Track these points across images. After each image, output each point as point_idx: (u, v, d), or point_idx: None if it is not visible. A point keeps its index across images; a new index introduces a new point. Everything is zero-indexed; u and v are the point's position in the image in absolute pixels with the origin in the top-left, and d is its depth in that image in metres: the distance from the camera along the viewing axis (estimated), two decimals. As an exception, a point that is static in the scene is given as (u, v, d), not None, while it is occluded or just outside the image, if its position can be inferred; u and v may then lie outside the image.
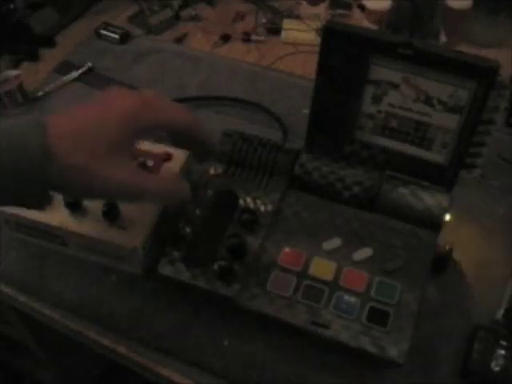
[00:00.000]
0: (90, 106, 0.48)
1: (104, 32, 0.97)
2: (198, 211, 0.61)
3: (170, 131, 0.53)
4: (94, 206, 0.60)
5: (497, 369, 0.54)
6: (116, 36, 0.96)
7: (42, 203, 0.46)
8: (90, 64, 0.91)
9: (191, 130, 0.52)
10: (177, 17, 1.02)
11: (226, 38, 0.97)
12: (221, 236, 0.59)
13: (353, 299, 0.55)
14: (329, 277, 0.57)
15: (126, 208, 0.60)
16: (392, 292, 0.55)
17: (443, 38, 0.92)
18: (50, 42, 0.97)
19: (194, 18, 1.03)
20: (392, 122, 0.60)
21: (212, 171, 0.64)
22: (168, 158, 0.65)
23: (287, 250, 0.59)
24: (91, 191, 0.48)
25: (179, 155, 0.66)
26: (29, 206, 0.47)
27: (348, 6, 1.01)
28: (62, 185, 0.46)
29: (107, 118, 0.47)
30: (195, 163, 0.67)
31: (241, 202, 0.62)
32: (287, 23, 0.99)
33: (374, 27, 0.93)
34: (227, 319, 0.59)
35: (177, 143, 0.56)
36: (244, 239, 0.58)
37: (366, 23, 0.94)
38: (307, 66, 0.89)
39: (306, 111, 0.63)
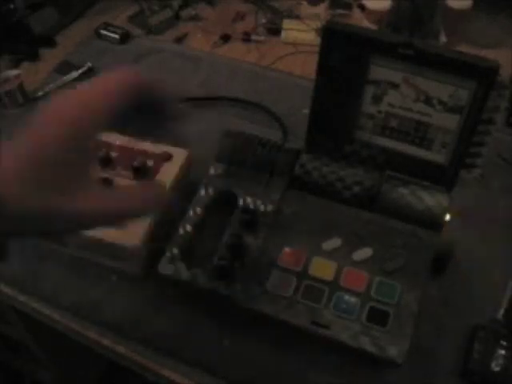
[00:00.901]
0: (26, 131, 0.38)
1: (104, 32, 0.97)
2: (198, 211, 0.61)
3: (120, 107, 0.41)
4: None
5: (497, 369, 0.54)
6: (116, 36, 0.96)
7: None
8: (89, 64, 0.91)
9: (142, 88, 0.41)
10: (177, 17, 1.02)
11: (225, 38, 0.97)
12: (221, 236, 0.59)
13: (353, 299, 0.55)
14: (329, 277, 0.57)
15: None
16: (392, 292, 0.55)
17: (443, 38, 0.92)
18: (50, 42, 0.97)
19: (194, 18, 1.03)
20: (392, 122, 0.60)
21: (212, 171, 0.64)
22: (168, 157, 0.65)
23: (287, 249, 0.59)
24: (55, 232, 0.41)
25: (179, 155, 0.66)
26: None
27: (348, 6, 1.01)
28: (17, 233, 0.39)
29: (45, 140, 0.38)
30: (195, 163, 0.67)
31: (241, 202, 0.62)
32: (287, 23, 0.99)
33: (374, 27, 0.93)
34: (227, 319, 0.59)
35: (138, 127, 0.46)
36: (244, 239, 0.58)
37: (366, 23, 0.94)
38: (307, 66, 0.89)
39: (306, 111, 0.63)
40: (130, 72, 0.41)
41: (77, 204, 0.39)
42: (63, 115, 0.39)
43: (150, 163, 0.65)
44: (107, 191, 0.42)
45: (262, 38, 0.97)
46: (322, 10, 0.99)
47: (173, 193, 0.45)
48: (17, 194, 0.36)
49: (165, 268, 0.57)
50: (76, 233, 0.45)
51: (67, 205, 0.38)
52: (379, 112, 0.60)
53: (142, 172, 0.64)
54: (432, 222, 0.59)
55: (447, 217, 0.59)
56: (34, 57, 0.95)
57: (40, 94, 0.87)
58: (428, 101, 0.57)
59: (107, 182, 0.62)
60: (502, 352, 0.55)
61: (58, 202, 0.38)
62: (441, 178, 0.60)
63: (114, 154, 0.66)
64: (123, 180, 0.63)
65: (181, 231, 0.60)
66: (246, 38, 0.97)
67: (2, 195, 0.36)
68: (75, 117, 0.39)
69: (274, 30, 0.98)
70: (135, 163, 0.63)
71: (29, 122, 0.39)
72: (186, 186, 0.67)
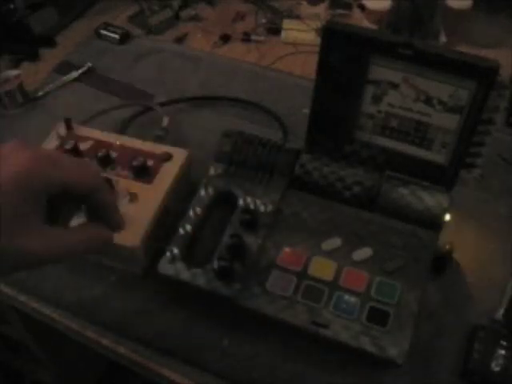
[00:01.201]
0: None
1: (104, 32, 0.97)
2: (198, 211, 0.61)
3: (72, 193, 0.43)
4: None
5: (497, 369, 0.54)
6: (116, 36, 0.96)
7: None
8: (89, 64, 0.91)
9: (99, 196, 0.44)
10: (177, 17, 1.02)
11: (225, 38, 0.97)
12: (221, 236, 0.59)
13: (353, 299, 0.55)
14: (329, 277, 0.57)
15: (125, 208, 0.60)
16: (392, 292, 0.55)
17: (443, 38, 0.92)
18: (50, 42, 0.97)
19: (194, 18, 1.03)
20: (392, 122, 0.60)
21: (212, 171, 0.64)
22: (168, 158, 0.65)
23: (287, 249, 0.59)
24: (4, 272, 0.41)
25: (179, 155, 0.66)
26: None
27: (348, 6, 1.01)
28: None
29: (1, 184, 0.39)
30: (195, 163, 0.67)
31: (241, 202, 0.62)
32: (287, 23, 0.99)
33: (374, 27, 0.93)
34: (227, 319, 0.59)
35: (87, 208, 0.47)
36: (244, 239, 0.58)
37: (366, 23, 0.95)
38: (307, 66, 0.90)
39: (306, 111, 0.63)
40: (99, 179, 0.44)
41: (28, 247, 0.40)
42: (20, 167, 0.40)
43: (150, 163, 0.65)
44: (54, 233, 0.42)
45: (262, 38, 0.97)
46: (322, 9, 0.99)
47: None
48: None
49: (165, 268, 0.57)
50: (23, 270, 0.45)
51: (15, 244, 0.39)
52: (379, 112, 0.60)
53: (141, 172, 0.64)
54: (432, 222, 0.59)
55: (447, 217, 0.59)
56: (34, 57, 0.95)
57: (40, 94, 0.87)
58: (428, 101, 0.57)
59: (107, 182, 0.62)
60: (502, 352, 0.55)
61: (5, 241, 0.38)
62: (441, 178, 0.60)
63: (114, 154, 0.66)
64: (123, 180, 0.63)
65: (181, 231, 0.60)
66: (246, 38, 0.97)
67: None
68: (32, 168, 0.40)
69: (274, 30, 0.98)
70: (135, 163, 0.63)
71: None
72: (186, 185, 0.67)
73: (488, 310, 0.59)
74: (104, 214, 0.45)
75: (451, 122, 0.57)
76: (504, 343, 0.55)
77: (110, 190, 0.46)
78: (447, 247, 0.60)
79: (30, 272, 0.65)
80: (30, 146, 0.42)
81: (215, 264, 0.56)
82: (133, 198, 0.62)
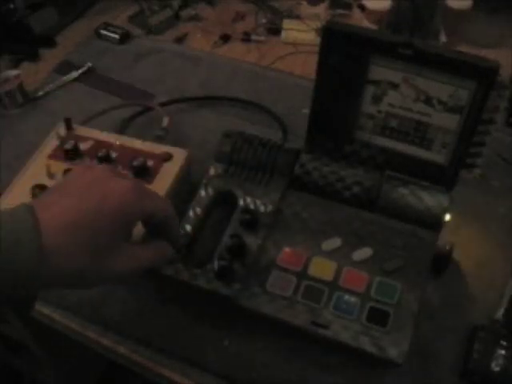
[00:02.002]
0: (82, 193, 0.43)
1: (104, 32, 0.97)
2: (198, 211, 0.61)
3: (150, 221, 0.49)
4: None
5: (497, 369, 0.54)
6: (116, 36, 0.96)
7: (28, 307, 0.42)
8: (89, 64, 0.91)
9: (169, 221, 0.50)
10: (177, 17, 1.02)
11: (225, 38, 0.97)
12: (221, 236, 0.59)
13: (353, 299, 0.55)
14: (329, 277, 0.57)
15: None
16: (392, 292, 0.55)
17: (443, 38, 0.92)
18: (49, 42, 0.97)
19: (194, 18, 1.03)
20: (392, 122, 0.60)
21: (212, 171, 0.64)
22: (168, 158, 0.65)
23: (287, 249, 0.59)
24: (88, 286, 0.45)
25: (179, 155, 0.66)
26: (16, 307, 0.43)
27: (348, 6, 1.01)
28: (56, 285, 0.43)
29: (104, 209, 0.43)
30: (195, 163, 0.67)
31: (241, 202, 0.62)
32: (287, 23, 0.99)
33: (374, 27, 0.93)
34: (227, 319, 0.59)
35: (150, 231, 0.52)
36: (244, 239, 0.58)
37: (366, 23, 0.95)
38: (307, 66, 0.89)
39: (306, 111, 0.63)
40: (172, 208, 0.50)
41: (114, 267, 0.44)
42: (124, 199, 0.44)
43: (150, 163, 0.65)
44: (132, 251, 0.47)
45: (262, 38, 0.97)
46: (322, 9, 0.99)
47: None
48: (62, 253, 0.40)
49: (165, 268, 0.57)
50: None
51: (105, 268, 0.43)
52: (379, 112, 0.60)
53: (142, 172, 0.64)
54: (432, 222, 0.59)
55: (447, 217, 0.59)
56: (34, 57, 0.95)
57: (40, 94, 0.86)
58: (428, 101, 0.57)
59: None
60: (502, 352, 0.55)
61: (97, 265, 0.42)
62: (441, 177, 0.60)
63: (114, 154, 0.66)
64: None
65: (181, 231, 0.60)
66: (246, 38, 0.97)
67: (49, 249, 0.39)
68: (133, 203, 0.45)
69: (274, 30, 0.98)
70: (135, 163, 0.63)
71: (79, 177, 0.45)
72: (186, 185, 0.67)
73: (488, 310, 0.59)
74: (169, 234, 0.51)
75: (451, 121, 0.57)
76: (504, 343, 0.55)
77: (175, 215, 0.51)
78: (447, 247, 0.60)
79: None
80: (119, 173, 0.47)
81: (215, 264, 0.56)
82: (133, 198, 0.62)
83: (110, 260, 0.43)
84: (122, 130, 0.76)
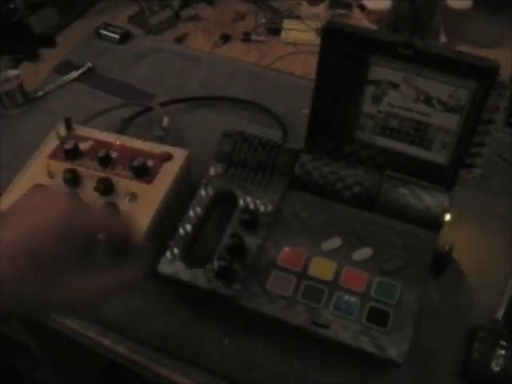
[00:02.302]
0: (21, 216, 0.42)
1: (104, 32, 0.97)
2: (198, 211, 0.61)
3: (104, 241, 0.46)
4: (93, 205, 0.60)
5: (497, 369, 0.54)
6: (116, 36, 0.96)
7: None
8: (89, 64, 0.91)
9: (124, 239, 0.47)
10: (177, 17, 1.02)
11: (225, 38, 0.97)
12: (221, 236, 0.59)
13: (353, 299, 0.55)
14: (329, 277, 0.57)
15: (125, 208, 0.60)
16: (392, 292, 0.55)
17: (443, 38, 0.92)
18: (49, 42, 0.97)
19: (194, 18, 1.03)
20: (392, 122, 0.60)
21: (212, 171, 0.64)
22: (168, 158, 0.65)
23: (287, 249, 0.59)
24: (44, 314, 0.45)
25: (179, 155, 0.66)
26: None
27: (348, 6, 1.01)
28: (6, 315, 0.41)
29: (39, 231, 0.40)
30: (195, 163, 0.67)
31: (241, 202, 0.62)
32: (287, 23, 0.99)
33: (374, 27, 0.93)
34: (227, 319, 0.59)
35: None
36: (244, 239, 0.58)
37: (366, 23, 0.95)
38: (307, 66, 0.89)
39: (306, 111, 0.63)
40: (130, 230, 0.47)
41: (63, 293, 0.41)
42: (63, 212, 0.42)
43: (150, 163, 0.65)
44: (90, 280, 0.44)
45: (262, 38, 0.97)
46: (321, 9, 0.99)
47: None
48: (8, 278, 0.38)
49: (165, 268, 0.57)
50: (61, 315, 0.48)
51: (61, 290, 0.41)
52: (379, 112, 0.60)
53: (142, 172, 0.64)
54: (432, 222, 0.59)
55: (447, 217, 0.59)
56: (33, 57, 0.95)
57: (40, 94, 0.87)
58: (428, 101, 0.57)
59: (107, 183, 0.62)
60: (502, 352, 0.55)
61: (51, 289, 0.40)
62: (441, 177, 0.60)
63: (113, 154, 0.66)
64: (123, 180, 0.63)
65: (181, 231, 0.60)
66: (246, 38, 0.97)
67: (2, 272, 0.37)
68: (73, 215, 0.42)
69: (274, 30, 0.98)
70: (135, 163, 0.63)
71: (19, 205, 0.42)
72: (186, 185, 0.67)
73: (488, 310, 0.59)
74: (132, 252, 0.47)
75: (451, 121, 0.57)
76: (504, 343, 0.55)
77: (129, 231, 0.48)
78: (447, 247, 0.60)
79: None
80: (64, 194, 0.45)
81: (215, 264, 0.56)
82: (133, 197, 0.62)
83: (62, 286, 0.41)
84: (122, 130, 0.76)
